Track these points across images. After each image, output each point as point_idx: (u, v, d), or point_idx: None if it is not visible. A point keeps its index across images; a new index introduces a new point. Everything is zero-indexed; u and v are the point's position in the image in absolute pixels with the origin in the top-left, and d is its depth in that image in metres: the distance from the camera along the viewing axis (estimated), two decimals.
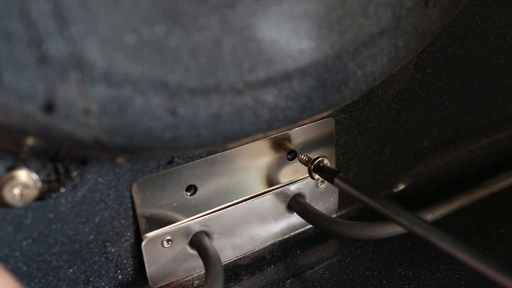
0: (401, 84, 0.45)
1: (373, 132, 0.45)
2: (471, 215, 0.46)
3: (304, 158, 0.40)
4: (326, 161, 0.40)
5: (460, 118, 0.50)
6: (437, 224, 0.45)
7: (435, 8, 0.32)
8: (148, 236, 0.37)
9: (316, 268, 0.42)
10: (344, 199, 0.47)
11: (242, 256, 0.43)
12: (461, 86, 0.48)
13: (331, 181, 0.38)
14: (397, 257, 0.43)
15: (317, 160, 0.40)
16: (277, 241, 0.44)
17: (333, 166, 0.44)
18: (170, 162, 0.36)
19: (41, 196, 0.33)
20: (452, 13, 0.35)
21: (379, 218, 0.42)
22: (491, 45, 0.48)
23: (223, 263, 0.41)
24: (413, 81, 0.45)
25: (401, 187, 0.50)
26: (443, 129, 0.49)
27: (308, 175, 0.41)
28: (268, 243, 0.43)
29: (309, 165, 0.40)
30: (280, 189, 0.42)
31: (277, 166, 0.41)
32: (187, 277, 0.40)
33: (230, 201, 0.40)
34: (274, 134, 0.40)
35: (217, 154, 0.38)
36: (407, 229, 0.32)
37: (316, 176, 0.40)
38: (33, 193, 0.31)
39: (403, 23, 0.31)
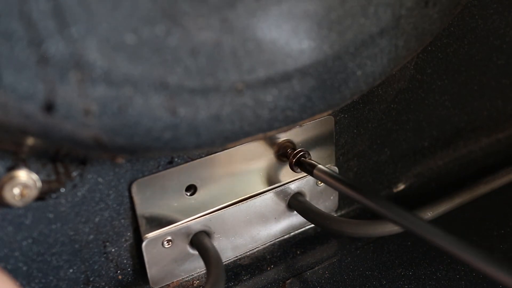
0: (401, 84, 0.45)
1: (373, 132, 0.45)
2: (471, 215, 0.46)
3: (289, 151, 0.41)
4: (307, 156, 0.40)
5: (460, 118, 0.50)
6: (437, 223, 0.45)
7: (435, 8, 0.32)
8: (148, 237, 0.37)
9: (316, 268, 0.42)
10: (344, 198, 0.47)
11: (242, 256, 0.43)
12: (461, 86, 0.48)
13: (310, 173, 0.39)
14: (397, 257, 0.43)
15: (299, 154, 0.40)
16: (277, 241, 0.44)
17: (333, 165, 0.44)
18: (170, 162, 0.36)
19: (41, 196, 0.33)
20: (452, 13, 0.35)
21: (379, 218, 0.42)
22: (491, 45, 0.48)
23: (223, 263, 0.41)
24: (413, 81, 0.45)
25: (401, 187, 0.50)
26: (443, 129, 0.49)
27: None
28: (268, 243, 0.43)
29: (291, 158, 0.40)
30: (280, 188, 0.42)
31: (277, 165, 0.41)
32: (187, 277, 0.40)
33: (230, 201, 0.40)
34: (274, 133, 0.40)
35: (217, 154, 0.38)
36: (383, 215, 0.33)
37: (298, 170, 0.40)
38: (33, 193, 0.31)
39: (403, 23, 0.31)
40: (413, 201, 0.48)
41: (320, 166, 0.38)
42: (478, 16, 0.46)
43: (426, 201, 0.43)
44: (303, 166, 0.40)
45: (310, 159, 0.40)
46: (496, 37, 0.48)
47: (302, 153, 0.40)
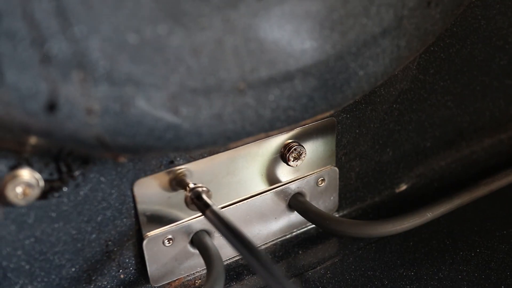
0: (403, 85, 0.45)
1: (375, 132, 0.45)
2: (473, 216, 0.46)
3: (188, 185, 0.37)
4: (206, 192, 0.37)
5: (463, 118, 0.50)
6: (439, 224, 0.45)
7: (437, 8, 0.32)
8: (149, 235, 0.37)
9: (318, 268, 0.42)
10: (346, 199, 0.47)
11: None
12: (463, 86, 0.48)
13: (203, 212, 0.36)
14: (399, 257, 0.43)
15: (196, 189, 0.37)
16: (279, 241, 0.44)
17: (334, 166, 0.44)
18: (172, 162, 0.37)
19: (44, 195, 0.33)
20: (455, 13, 0.35)
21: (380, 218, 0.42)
22: (494, 45, 0.48)
23: (225, 262, 0.42)
24: (416, 81, 0.45)
25: (403, 187, 0.50)
26: (446, 129, 0.49)
27: (308, 173, 0.42)
28: (270, 242, 0.44)
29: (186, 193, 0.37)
30: (281, 188, 0.42)
31: (278, 165, 0.41)
32: (188, 276, 0.40)
33: (231, 200, 0.40)
34: (276, 133, 0.40)
35: (218, 154, 0.38)
36: (256, 271, 0.32)
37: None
38: (35, 192, 0.32)
39: (405, 23, 0.31)
40: (415, 201, 0.48)
41: (214, 207, 0.35)
42: (481, 17, 0.46)
43: (428, 202, 0.43)
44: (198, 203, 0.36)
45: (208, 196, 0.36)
46: (498, 38, 0.48)
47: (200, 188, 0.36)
